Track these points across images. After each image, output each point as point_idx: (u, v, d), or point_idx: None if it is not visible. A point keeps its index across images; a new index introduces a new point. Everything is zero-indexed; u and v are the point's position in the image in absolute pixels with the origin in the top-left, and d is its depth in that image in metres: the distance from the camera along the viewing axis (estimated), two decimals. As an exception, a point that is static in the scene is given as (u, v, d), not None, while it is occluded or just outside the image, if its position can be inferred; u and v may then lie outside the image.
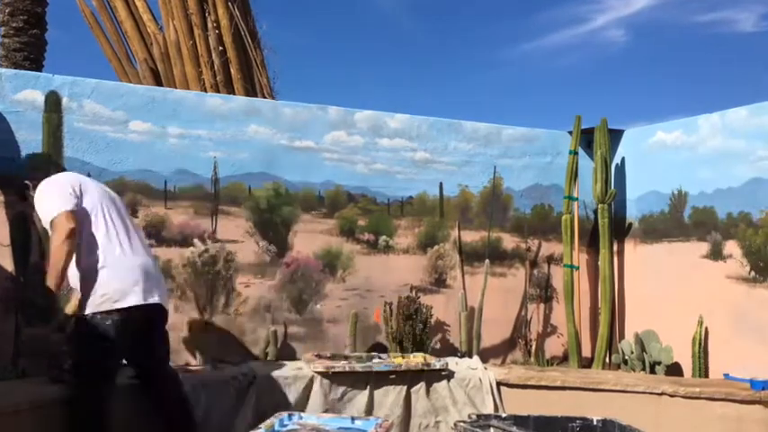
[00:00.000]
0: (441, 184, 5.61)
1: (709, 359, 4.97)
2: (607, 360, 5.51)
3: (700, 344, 4.94)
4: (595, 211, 5.78)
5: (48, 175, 3.70)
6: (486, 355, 5.42)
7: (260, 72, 7.02)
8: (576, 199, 5.75)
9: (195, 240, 4.92)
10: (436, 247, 5.56)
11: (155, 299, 3.65)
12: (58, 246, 3.35)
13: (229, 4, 6.91)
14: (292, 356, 5.02)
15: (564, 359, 5.69)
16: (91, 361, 3.50)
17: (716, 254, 5.07)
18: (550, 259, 5.89)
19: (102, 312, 3.46)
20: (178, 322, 4.81)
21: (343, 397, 4.46)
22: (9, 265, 4.37)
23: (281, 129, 5.19)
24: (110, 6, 7.26)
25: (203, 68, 6.87)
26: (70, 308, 3.60)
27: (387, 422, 3.28)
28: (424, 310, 5.15)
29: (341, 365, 4.51)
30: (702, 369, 4.94)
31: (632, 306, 5.71)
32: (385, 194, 5.47)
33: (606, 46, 23.55)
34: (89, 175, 4.57)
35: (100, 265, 3.50)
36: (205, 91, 6.51)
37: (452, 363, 4.90)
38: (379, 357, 4.83)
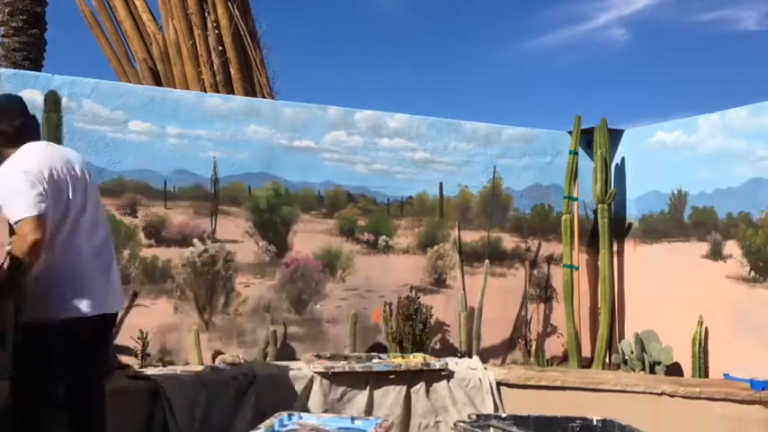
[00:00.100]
0: (440, 184, 5.61)
1: (709, 359, 4.96)
2: (607, 360, 5.51)
3: (700, 344, 4.94)
4: (595, 211, 5.78)
5: None
6: (485, 356, 5.42)
7: (259, 72, 7.02)
8: (576, 199, 5.74)
9: (195, 240, 4.92)
10: (436, 248, 5.56)
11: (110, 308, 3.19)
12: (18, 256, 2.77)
13: (229, 4, 6.91)
14: (292, 357, 5.01)
15: (564, 359, 5.68)
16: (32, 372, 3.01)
17: (716, 254, 5.06)
18: (550, 259, 5.88)
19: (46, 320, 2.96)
20: (178, 322, 4.81)
21: (342, 397, 4.46)
22: (8, 265, 4.36)
23: (281, 129, 5.19)
24: (109, 6, 7.26)
25: (203, 68, 6.87)
26: None
27: (386, 422, 3.27)
28: (424, 310, 5.15)
29: (340, 366, 4.50)
30: (702, 369, 4.94)
31: (632, 306, 5.71)
32: (385, 194, 5.46)
33: (607, 45, 23.52)
34: (89, 175, 4.61)
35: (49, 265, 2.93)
36: (204, 91, 6.50)
37: (452, 363, 4.90)
38: (379, 357, 4.82)
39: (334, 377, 4.44)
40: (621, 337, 5.69)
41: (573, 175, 5.69)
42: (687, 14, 22.25)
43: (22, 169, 2.85)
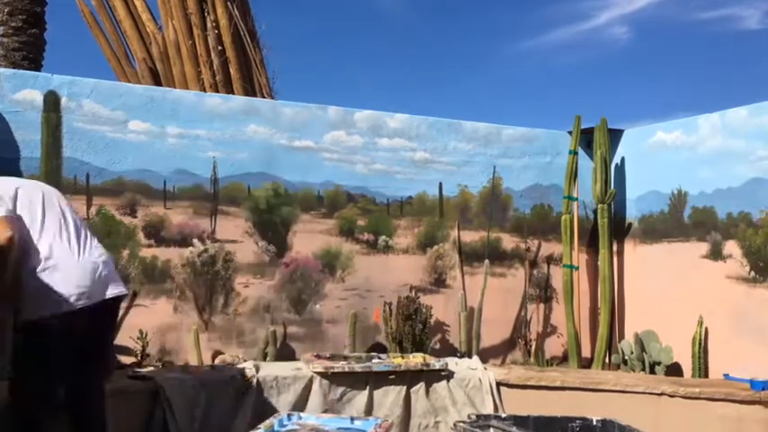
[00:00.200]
0: (440, 184, 5.61)
1: (709, 359, 4.96)
2: (607, 360, 5.50)
3: (699, 344, 4.94)
4: (595, 211, 5.78)
5: None
6: (485, 356, 5.42)
7: (259, 72, 7.02)
8: (576, 199, 5.74)
9: (194, 240, 4.92)
10: (436, 248, 5.56)
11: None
12: None
13: (228, 3, 6.90)
14: (291, 357, 5.01)
15: (564, 359, 5.68)
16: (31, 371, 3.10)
17: (716, 254, 5.06)
18: (550, 259, 5.88)
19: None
20: (177, 322, 4.81)
21: (342, 397, 4.45)
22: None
23: (281, 128, 5.18)
24: (108, 6, 7.25)
25: (202, 68, 6.87)
26: None
27: (386, 422, 3.27)
28: (424, 310, 5.14)
29: (340, 366, 4.50)
30: (702, 369, 4.93)
31: (632, 306, 5.71)
32: (384, 194, 5.46)
33: (609, 44, 23.46)
34: (88, 175, 4.62)
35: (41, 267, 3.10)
36: (204, 91, 6.49)
37: (452, 363, 4.89)
38: (379, 358, 4.82)
39: (333, 377, 4.44)
40: (621, 337, 5.69)
41: (573, 175, 5.68)
42: (689, 12, 22.18)
43: None
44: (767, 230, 4.74)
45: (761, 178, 4.81)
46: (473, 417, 3.65)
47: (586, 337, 5.74)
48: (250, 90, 6.95)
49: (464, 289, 5.56)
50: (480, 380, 4.66)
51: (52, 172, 4.52)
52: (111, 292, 3.28)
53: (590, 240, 5.86)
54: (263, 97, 6.77)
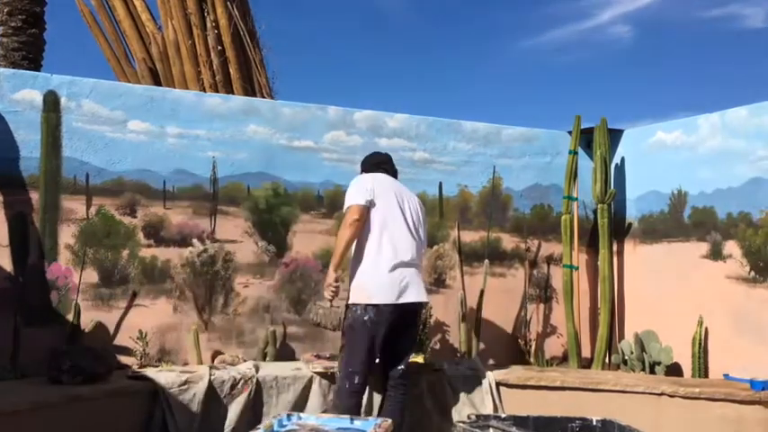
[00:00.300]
0: (440, 184, 5.61)
1: (709, 359, 4.96)
2: (607, 360, 5.50)
3: (699, 344, 4.94)
4: (595, 212, 5.78)
5: None
6: (485, 356, 5.41)
7: (259, 72, 7.02)
8: (576, 199, 5.74)
9: (194, 240, 4.91)
10: (435, 248, 5.55)
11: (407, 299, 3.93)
12: (340, 229, 3.97)
13: (228, 3, 6.89)
14: (291, 357, 5.01)
15: (563, 359, 5.68)
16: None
17: (716, 254, 5.06)
18: (550, 259, 5.88)
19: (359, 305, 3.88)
20: (177, 322, 4.80)
21: (342, 397, 4.45)
22: (8, 265, 4.37)
23: (280, 128, 5.18)
24: (108, 6, 7.25)
25: (202, 68, 6.86)
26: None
27: (386, 422, 3.26)
28: (424, 310, 5.13)
29: (340, 366, 4.49)
30: (702, 369, 4.93)
31: (632, 306, 5.70)
32: (384, 194, 5.44)
33: (610, 43, 23.41)
34: (87, 175, 4.61)
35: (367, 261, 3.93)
36: (204, 91, 6.49)
37: (452, 363, 4.90)
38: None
39: (333, 377, 4.43)
40: (621, 337, 5.68)
41: (572, 175, 5.68)
42: (692, 11, 22.15)
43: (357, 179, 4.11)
44: (767, 230, 4.74)
45: (761, 178, 4.80)
46: (473, 417, 3.65)
47: (586, 338, 5.74)
48: (250, 90, 6.95)
49: (464, 289, 5.55)
50: (480, 380, 4.67)
51: (52, 172, 4.52)
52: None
53: (590, 240, 5.86)
54: (263, 97, 6.77)
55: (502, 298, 5.66)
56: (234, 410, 4.22)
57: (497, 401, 4.61)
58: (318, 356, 4.74)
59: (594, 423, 3.59)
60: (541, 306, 5.83)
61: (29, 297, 4.39)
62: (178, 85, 6.77)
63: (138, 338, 4.62)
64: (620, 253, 5.83)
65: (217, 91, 6.65)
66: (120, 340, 4.64)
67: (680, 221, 5.37)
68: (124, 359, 4.58)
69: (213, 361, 4.75)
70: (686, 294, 5.19)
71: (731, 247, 4.95)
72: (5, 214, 4.40)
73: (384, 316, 3.86)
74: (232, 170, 5.04)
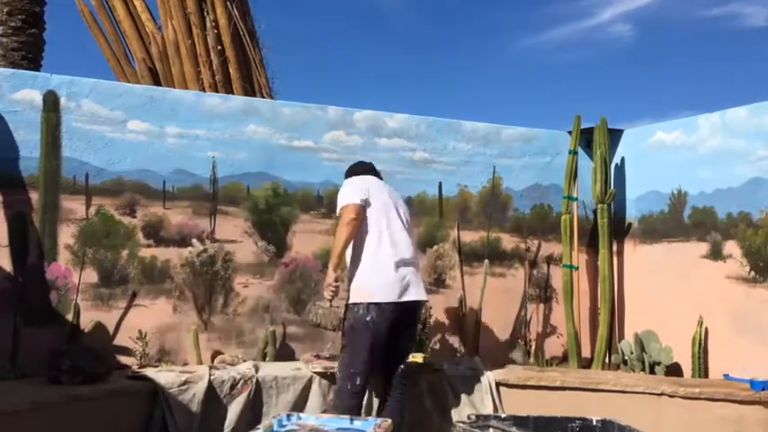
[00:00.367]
0: (440, 184, 5.60)
1: (709, 359, 4.95)
2: (607, 360, 5.49)
3: (699, 344, 4.93)
4: (595, 212, 5.77)
5: None
6: (485, 356, 5.40)
7: (258, 72, 7.01)
8: (576, 199, 5.73)
9: (194, 240, 4.91)
10: (435, 248, 5.55)
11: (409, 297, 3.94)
12: (337, 229, 3.98)
13: (228, 3, 6.89)
14: (291, 357, 5.01)
15: (563, 359, 5.67)
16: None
17: (716, 254, 5.06)
18: (550, 259, 5.87)
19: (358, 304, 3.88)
20: (177, 322, 4.80)
21: (342, 397, 4.45)
22: (7, 265, 4.37)
23: (280, 128, 5.18)
24: (108, 6, 7.24)
25: (202, 68, 6.86)
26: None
27: (386, 422, 3.26)
28: (423, 310, 5.13)
29: (340, 366, 4.49)
30: (702, 369, 4.93)
31: (632, 306, 5.70)
32: (384, 194, 5.44)
33: (611, 42, 23.36)
34: (87, 175, 4.61)
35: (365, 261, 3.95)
36: (203, 91, 6.49)
37: (452, 363, 4.89)
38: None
39: (333, 378, 4.42)
40: (621, 337, 5.68)
41: (572, 175, 5.67)
42: (693, 9, 22.10)
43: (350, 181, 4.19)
44: (767, 230, 4.74)
45: (761, 178, 4.80)
46: (473, 417, 3.65)
47: (586, 338, 5.73)
48: (249, 90, 6.94)
49: (464, 289, 5.55)
50: (480, 380, 4.66)
51: (51, 172, 4.52)
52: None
53: (590, 240, 5.86)
54: (263, 97, 6.76)
55: (502, 298, 5.65)
56: (233, 410, 4.22)
57: (497, 401, 4.61)
58: (318, 356, 4.74)
59: (594, 423, 3.59)
60: (541, 306, 5.83)
61: (28, 297, 4.39)
62: (178, 85, 6.76)
63: (137, 338, 4.62)
64: (620, 253, 5.82)
65: (216, 91, 6.65)
66: (120, 340, 4.64)
67: (680, 221, 5.37)
68: (124, 359, 4.58)
69: (213, 361, 4.75)
70: (686, 294, 5.19)
71: (731, 247, 4.95)
72: (5, 214, 4.40)
73: (386, 315, 3.86)
74: (232, 170, 5.04)
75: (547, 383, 4.66)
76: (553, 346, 5.79)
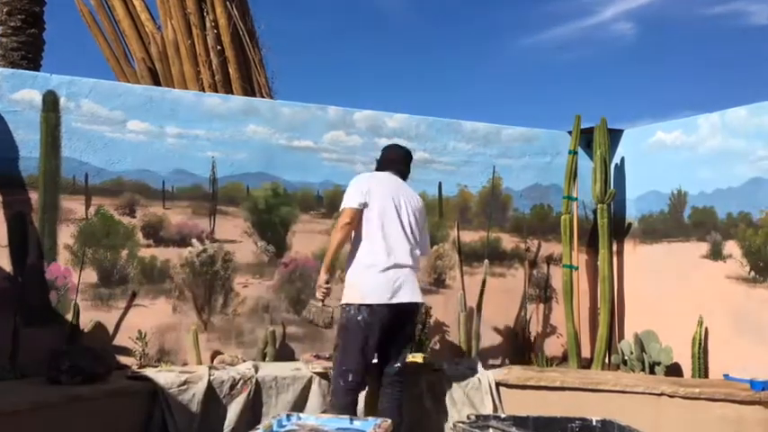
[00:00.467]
0: (440, 183, 5.60)
1: (709, 359, 4.95)
2: (606, 360, 5.49)
3: (699, 344, 4.93)
4: (595, 212, 5.77)
5: None
6: (485, 356, 5.41)
7: (258, 71, 7.01)
8: (576, 199, 5.73)
9: (193, 240, 4.91)
10: (435, 248, 5.54)
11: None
12: (333, 231, 4.15)
13: (228, 3, 6.89)
14: (291, 357, 5.00)
15: (563, 359, 5.67)
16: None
17: (716, 254, 5.06)
18: (550, 259, 5.87)
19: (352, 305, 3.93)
20: (176, 322, 4.80)
21: (341, 398, 4.44)
22: (7, 266, 4.36)
23: (280, 128, 5.18)
24: (107, 6, 7.24)
25: (201, 68, 6.86)
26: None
27: (385, 422, 3.26)
28: (423, 310, 5.13)
29: (340, 366, 4.49)
30: (702, 369, 4.92)
31: (632, 306, 5.70)
32: (384, 194, 5.44)
33: (612, 41, 23.30)
34: (87, 175, 4.60)
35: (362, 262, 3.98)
36: (203, 90, 6.49)
37: (452, 363, 4.89)
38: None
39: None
40: (621, 337, 5.68)
41: (572, 175, 5.67)
42: (695, 7, 22.04)
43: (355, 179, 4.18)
44: (767, 230, 4.74)
45: (761, 178, 4.80)
46: (472, 417, 3.65)
47: (586, 338, 5.73)
48: (249, 90, 6.94)
49: (464, 289, 5.55)
50: (479, 380, 4.66)
51: (51, 172, 4.51)
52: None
53: (590, 240, 5.85)
54: (263, 97, 6.76)
55: (502, 298, 5.65)
56: (233, 411, 4.21)
57: (497, 401, 4.61)
58: (318, 357, 4.73)
59: (594, 423, 3.59)
60: (541, 306, 5.82)
61: (28, 297, 4.39)
62: (177, 85, 6.76)
63: (137, 338, 4.61)
64: (620, 253, 5.82)
65: (216, 91, 6.65)
66: (120, 340, 4.63)
67: (680, 221, 5.37)
68: (123, 359, 4.58)
69: (212, 361, 4.75)
70: (686, 294, 5.19)
71: (731, 247, 4.95)
72: (5, 214, 4.40)
73: (377, 316, 3.89)
74: (231, 170, 5.03)
75: (547, 384, 4.66)
76: (553, 347, 5.78)
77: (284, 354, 5.00)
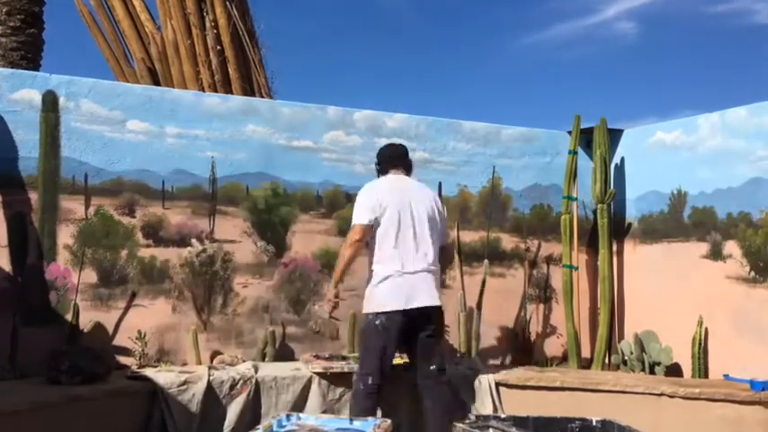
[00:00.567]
0: (440, 183, 5.59)
1: (709, 360, 4.95)
2: (606, 361, 5.49)
3: (699, 344, 4.93)
4: (595, 212, 5.77)
5: None
6: (485, 356, 5.41)
7: (258, 71, 7.01)
8: (576, 199, 5.73)
9: (193, 240, 4.90)
10: (435, 248, 5.53)
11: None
12: (342, 247, 4.21)
13: (227, 3, 6.89)
14: (290, 357, 5.00)
15: (563, 360, 5.67)
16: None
17: (716, 254, 5.05)
18: (550, 259, 5.87)
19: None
20: (176, 322, 4.80)
21: (341, 398, 4.45)
22: (6, 266, 4.36)
23: (279, 128, 5.17)
24: (107, 6, 7.24)
25: (201, 68, 6.86)
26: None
27: (385, 423, 3.26)
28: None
29: (339, 366, 4.49)
30: (702, 370, 4.92)
31: (632, 306, 5.70)
32: (384, 194, 5.43)
33: (614, 40, 23.26)
34: (86, 175, 4.60)
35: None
36: (203, 90, 6.49)
37: (451, 363, 4.88)
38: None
39: (332, 378, 4.43)
40: (621, 337, 5.67)
41: (572, 175, 5.67)
42: (699, 6, 21.99)
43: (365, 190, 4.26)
44: (767, 230, 4.73)
45: (761, 178, 4.80)
46: (472, 417, 3.64)
47: (586, 338, 5.73)
48: (249, 90, 6.94)
49: (463, 289, 5.54)
50: (479, 380, 4.66)
51: (50, 172, 4.51)
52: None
53: (590, 240, 5.85)
54: (262, 97, 6.76)
55: (501, 298, 5.65)
56: (233, 411, 4.21)
57: (497, 401, 4.60)
58: (317, 357, 4.73)
59: (594, 423, 3.58)
60: (541, 306, 5.82)
61: (28, 297, 4.38)
62: (177, 85, 6.76)
63: (136, 339, 4.61)
64: (620, 253, 5.82)
65: (216, 91, 6.65)
66: (119, 340, 4.63)
67: (680, 221, 5.36)
68: (123, 359, 4.58)
69: (212, 361, 4.74)
70: (686, 294, 5.18)
71: (731, 247, 4.95)
72: (4, 214, 4.39)
73: (395, 322, 4.02)
74: (231, 170, 5.03)
75: (547, 384, 4.66)
76: (553, 347, 5.78)
77: (284, 354, 5.00)
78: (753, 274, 4.80)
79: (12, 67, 7.23)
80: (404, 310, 4.02)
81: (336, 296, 4.17)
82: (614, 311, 5.62)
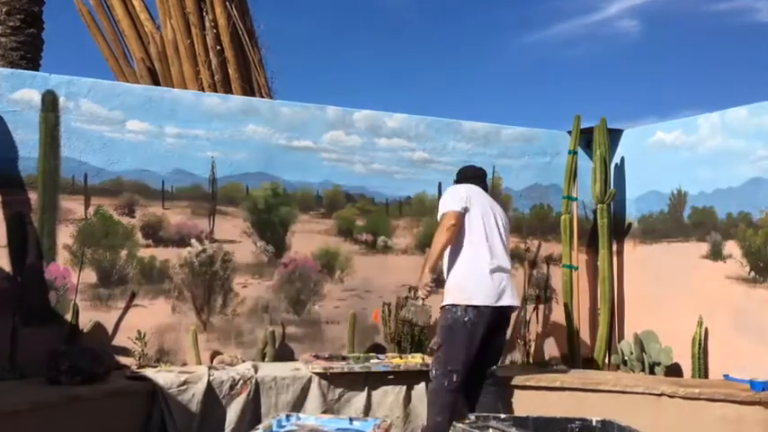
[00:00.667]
0: (439, 183, 5.59)
1: (709, 360, 4.95)
2: (606, 361, 5.49)
3: (699, 344, 4.93)
4: (595, 212, 5.77)
5: None
6: (484, 356, 5.39)
7: (258, 71, 7.01)
8: (576, 199, 5.73)
9: (192, 240, 4.90)
10: (435, 248, 5.53)
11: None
12: (436, 234, 4.17)
13: (227, 3, 6.89)
14: (290, 357, 5.00)
15: (563, 360, 5.66)
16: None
17: (716, 254, 5.05)
18: (549, 259, 5.87)
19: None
20: (176, 323, 4.79)
21: (341, 398, 4.45)
22: (6, 266, 4.36)
23: (279, 128, 5.17)
24: (107, 5, 7.24)
25: (201, 68, 6.86)
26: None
27: (385, 423, 3.27)
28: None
29: (339, 366, 4.49)
30: (702, 370, 4.92)
31: (632, 306, 5.70)
32: (383, 194, 5.45)
33: (618, 37, 23.22)
34: (86, 175, 4.60)
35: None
36: (202, 90, 6.48)
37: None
38: (378, 358, 4.81)
39: (332, 378, 4.43)
40: (621, 337, 5.67)
41: (572, 174, 5.67)
42: (701, 4, 21.97)
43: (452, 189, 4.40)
44: (767, 230, 4.73)
45: (761, 178, 4.80)
46: (472, 417, 3.64)
47: (586, 338, 5.73)
48: (249, 90, 6.94)
49: (463, 289, 5.53)
50: (479, 380, 4.65)
51: (50, 172, 4.51)
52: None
53: (590, 240, 5.85)
54: (262, 97, 6.76)
55: (501, 298, 5.64)
56: (233, 411, 4.21)
57: (497, 401, 4.59)
58: (317, 357, 4.73)
59: (594, 423, 3.58)
60: (541, 306, 5.82)
61: (27, 297, 4.38)
62: (177, 85, 6.76)
63: (136, 339, 4.61)
64: (620, 253, 5.82)
65: (215, 91, 6.65)
66: (119, 340, 4.63)
67: (680, 221, 5.36)
68: (123, 359, 4.57)
69: (212, 361, 4.74)
70: (686, 294, 5.18)
71: (731, 247, 4.95)
72: (4, 214, 4.39)
73: (484, 317, 4.05)
74: (231, 170, 5.03)
75: (546, 384, 4.65)
76: (553, 347, 5.78)
77: (284, 354, 5.00)
78: (753, 274, 4.80)
79: (11, 67, 7.23)
80: (494, 306, 4.07)
81: (433, 281, 4.20)
82: (614, 311, 5.62)
